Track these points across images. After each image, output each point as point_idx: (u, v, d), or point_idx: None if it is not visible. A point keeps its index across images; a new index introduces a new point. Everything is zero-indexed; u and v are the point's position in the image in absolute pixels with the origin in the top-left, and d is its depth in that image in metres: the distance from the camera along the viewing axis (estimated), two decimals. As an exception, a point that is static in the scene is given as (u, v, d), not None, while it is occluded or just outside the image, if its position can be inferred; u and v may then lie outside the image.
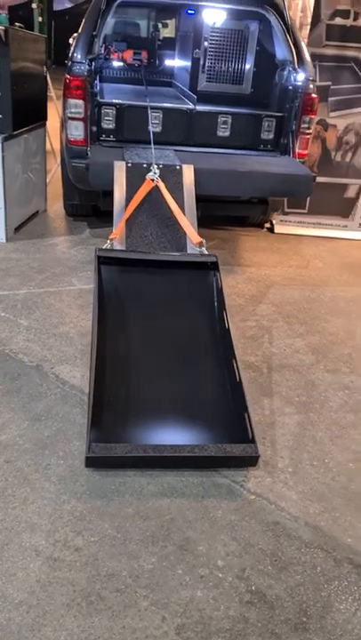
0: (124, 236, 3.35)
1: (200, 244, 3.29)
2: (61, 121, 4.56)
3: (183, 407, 2.56)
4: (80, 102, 3.99)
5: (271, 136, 4.43)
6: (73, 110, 4.02)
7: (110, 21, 4.45)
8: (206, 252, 3.27)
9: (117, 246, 3.29)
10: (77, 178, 4.19)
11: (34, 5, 12.72)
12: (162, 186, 3.43)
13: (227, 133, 4.37)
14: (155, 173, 3.47)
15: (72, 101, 4.00)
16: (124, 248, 3.30)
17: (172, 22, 5.88)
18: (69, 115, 4.04)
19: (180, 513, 2.16)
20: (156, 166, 3.49)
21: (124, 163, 3.56)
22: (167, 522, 2.12)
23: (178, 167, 3.62)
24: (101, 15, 3.97)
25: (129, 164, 3.54)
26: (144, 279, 3.14)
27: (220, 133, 4.36)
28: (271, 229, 5.47)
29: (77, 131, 4.08)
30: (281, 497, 2.29)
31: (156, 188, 3.43)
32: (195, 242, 3.31)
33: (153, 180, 3.45)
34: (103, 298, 2.99)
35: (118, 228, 3.34)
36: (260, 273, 4.48)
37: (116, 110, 4.17)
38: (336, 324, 3.77)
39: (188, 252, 3.34)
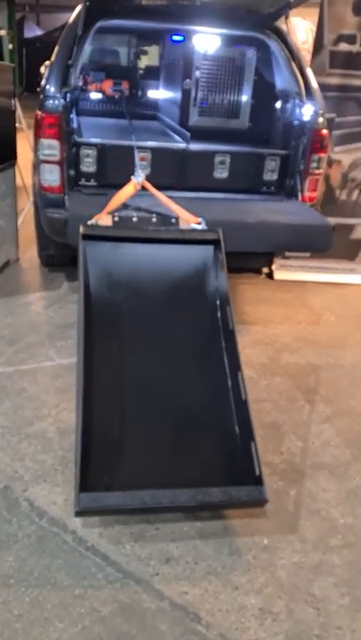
0: (111, 219, 2.91)
1: (198, 224, 2.95)
2: (33, 163, 3.95)
3: (182, 436, 2.29)
4: (55, 143, 3.39)
5: (275, 177, 3.88)
6: (47, 152, 3.41)
7: (86, 49, 3.90)
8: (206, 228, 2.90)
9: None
10: (53, 230, 3.57)
11: (2, 32, 12.25)
12: (148, 185, 3.10)
13: (225, 175, 3.81)
14: (139, 176, 3.07)
15: (45, 142, 3.39)
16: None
17: (153, 49, 5.36)
18: (42, 157, 3.43)
19: None
20: (141, 171, 3.13)
21: (109, 217, 2.95)
22: None
23: (174, 220, 3.03)
24: (78, 41, 3.39)
25: (115, 219, 2.93)
26: (136, 263, 2.74)
27: (217, 175, 3.80)
28: (270, 275, 4.90)
29: (52, 175, 3.46)
30: None
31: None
32: (192, 222, 2.96)
33: (138, 183, 3.06)
34: (90, 296, 2.59)
35: (102, 213, 2.93)
36: (267, 333, 3.89)
37: (97, 151, 3.58)
38: (365, 400, 3.18)
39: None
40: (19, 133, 4.64)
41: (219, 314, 2.64)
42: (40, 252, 4.39)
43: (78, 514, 1.95)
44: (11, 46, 14.31)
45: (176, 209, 3.03)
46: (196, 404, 2.39)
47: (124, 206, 3.09)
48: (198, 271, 2.77)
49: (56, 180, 3.46)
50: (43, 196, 3.54)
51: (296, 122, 3.77)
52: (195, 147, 3.75)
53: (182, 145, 3.77)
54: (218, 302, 2.67)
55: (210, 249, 2.81)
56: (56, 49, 3.51)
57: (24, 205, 5.14)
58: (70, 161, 3.48)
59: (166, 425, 2.31)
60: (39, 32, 21.14)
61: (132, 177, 3.08)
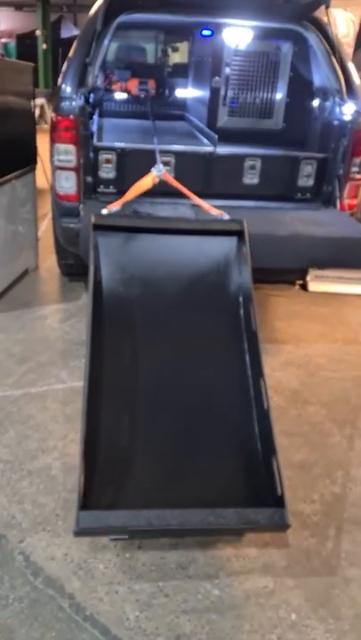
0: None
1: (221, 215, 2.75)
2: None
3: (195, 449, 2.07)
4: (71, 147, 3.14)
5: (311, 182, 3.54)
6: (62, 158, 3.17)
7: (110, 46, 3.64)
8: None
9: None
10: (68, 240, 3.33)
11: (38, 32, 12.14)
12: (169, 178, 2.88)
13: (255, 180, 3.49)
14: (160, 170, 2.83)
15: (61, 147, 3.15)
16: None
17: (184, 46, 5.06)
18: (58, 163, 3.19)
19: None
20: (161, 164, 2.88)
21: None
22: None
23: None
24: (97, 38, 3.13)
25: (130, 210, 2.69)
26: (152, 257, 2.52)
27: (246, 181, 3.48)
28: (305, 286, 4.55)
29: (68, 182, 3.22)
30: None
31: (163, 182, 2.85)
32: (215, 213, 2.76)
33: (157, 176, 2.83)
34: (101, 293, 2.38)
35: (117, 203, 2.75)
36: (299, 353, 3.55)
37: (116, 156, 3.31)
38: None
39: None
40: (44, 134, 4.41)
41: (241, 313, 2.41)
42: (59, 261, 4.16)
43: (77, 534, 1.78)
44: (45, 46, 14.25)
45: (200, 202, 2.83)
46: (212, 414, 2.17)
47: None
48: (220, 265, 2.55)
49: (72, 188, 3.22)
50: (58, 205, 3.30)
51: (336, 122, 3.43)
52: (223, 150, 3.44)
53: (209, 148, 3.46)
54: (240, 300, 2.44)
55: (233, 241, 2.56)
56: (74, 46, 3.26)
57: (48, 210, 4.93)
58: (88, 167, 3.22)
59: (178, 436, 2.11)
60: (76, 32, 21.13)
61: (152, 169, 2.84)
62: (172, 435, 2.09)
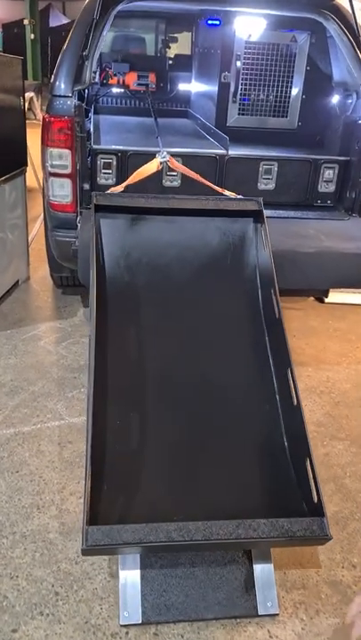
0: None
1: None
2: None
3: (215, 452, 1.89)
4: (65, 152, 2.78)
5: (332, 188, 3.21)
6: (56, 163, 2.81)
7: (107, 36, 3.28)
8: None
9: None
10: (63, 255, 2.99)
11: (25, 21, 11.68)
12: (176, 164, 2.68)
13: (271, 186, 3.16)
14: (164, 157, 2.63)
15: (54, 151, 2.79)
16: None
17: (186, 36, 4.69)
18: (51, 170, 2.83)
19: None
20: (166, 153, 2.65)
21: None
22: None
23: None
24: (94, 28, 2.76)
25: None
26: (159, 240, 2.32)
27: (261, 187, 3.15)
28: (321, 298, 4.23)
29: (62, 191, 2.87)
30: None
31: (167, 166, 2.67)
32: (229, 194, 2.61)
33: (162, 164, 2.64)
34: (105, 280, 2.18)
35: (119, 187, 2.57)
36: (320, 377, 3.23)
37: (117, 160, 2.96)
38: None
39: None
40: (34, 128, 4.03)
41: (260, 299, 2.23)
42: (52, 273, 3.82)
43: (86, 552, 1.57)
44: (32, 36, 13.77)
45: (211, 185, 2.68)
46: (233, 412, 1.99)
47: None
48: (236, 248, 2.33)
49: (67, 197, 2.87)
50: (51, 216, 2.95)
51: (359, 121, 3.09)
52: (235, 152, 3.09)
53: (221, 151, 3.12)
54: (259, 285, 2.26)
55: (249, 222, 2.34)
56: (68, 37, 2.89)
57: (38, 212, 4.57)
58: (85, 173, 2.87)
59: (196, 438, 1.93)
60: (65, 21, 20.58)
61: (156, 156, 2.63)
62: (189, 437, 1.92)
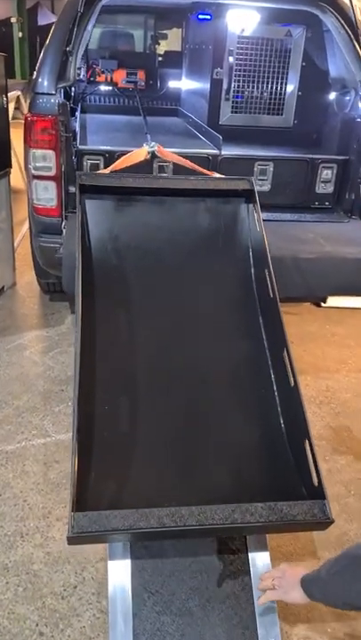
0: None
1: None
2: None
3: (209, 435, 1.82)
4: (49, 153, 2.63)
5: (330, 189, 3.08)
6: (39, 165, 2.66)
7: (94, 32, 3.13)
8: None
9: None
10: (48, 261, 2.84)
11: (13, 20, 11.49)
12: (165, 152, 2.58)
13: (266, 187, 3.02)
14: (152, 146, 2.54)
15: (37, 152, 2.63)
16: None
17: (176, 32, 4.55)
18: (34, 172, 2.68)
19: None
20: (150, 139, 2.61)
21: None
22: None
23: None
24: (78, 22, 2.61)
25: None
26: (148, 222, 2.23)
27: (256, 188, 3.00)
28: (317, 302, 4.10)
29: (47, 194, 2.72)
30: None
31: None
32: (218, 176, 2.50)
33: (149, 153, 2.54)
34: (91, 265, 2.07)
35: (104, 170, 2.53)
36: (319, 386, 3.10)
37: (104, 161, 2.82)
38: None
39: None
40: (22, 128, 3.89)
41: (253, 278, 2.15)
42: (38, 279, 3.66)
43: (72, 540, 1.44)
44: (21, 34, 13.55)
45: (200, 169, 2.60)
46: (227, 395, 1.92)
47: None
48: (228, 229, 2.28)
49: (52, 200, 2.71)
50: (36, 220, 2.80)
51: (358, 119, 2.96)
52: (228, 152, 2.96)
53: (213, 150, 2.98)
54: (252, 264, 2.17)
55: (241, 202, 2.26)
56: (51, 32, 2.74)
57: (25, 215, 4.40)
58: (70, 175, 2.72)
59: (188, 421, 1.85)
60: (54, 19, 20.32)
61: (143, 145, 2.54)
62: (181, 420, 1.84)
